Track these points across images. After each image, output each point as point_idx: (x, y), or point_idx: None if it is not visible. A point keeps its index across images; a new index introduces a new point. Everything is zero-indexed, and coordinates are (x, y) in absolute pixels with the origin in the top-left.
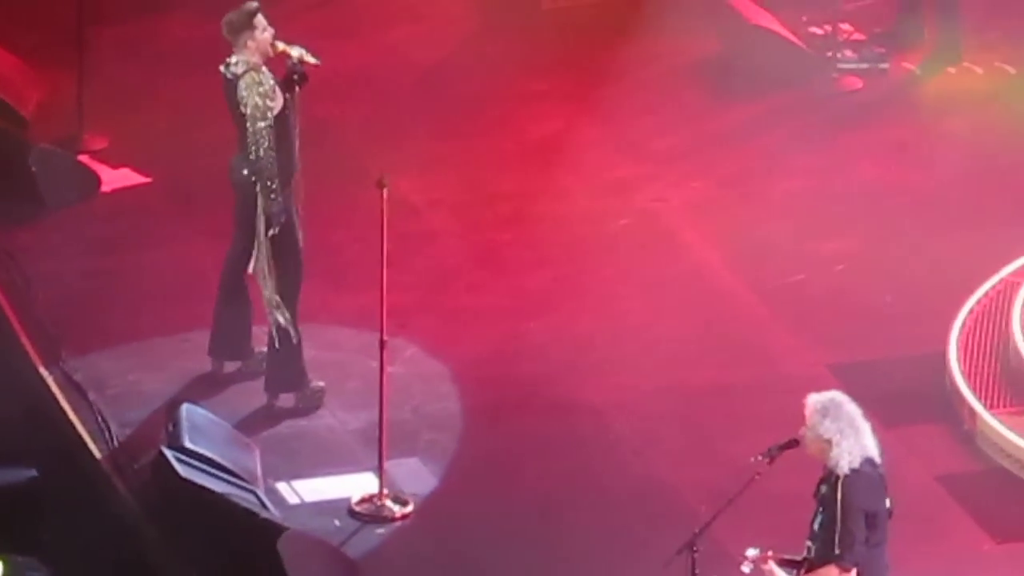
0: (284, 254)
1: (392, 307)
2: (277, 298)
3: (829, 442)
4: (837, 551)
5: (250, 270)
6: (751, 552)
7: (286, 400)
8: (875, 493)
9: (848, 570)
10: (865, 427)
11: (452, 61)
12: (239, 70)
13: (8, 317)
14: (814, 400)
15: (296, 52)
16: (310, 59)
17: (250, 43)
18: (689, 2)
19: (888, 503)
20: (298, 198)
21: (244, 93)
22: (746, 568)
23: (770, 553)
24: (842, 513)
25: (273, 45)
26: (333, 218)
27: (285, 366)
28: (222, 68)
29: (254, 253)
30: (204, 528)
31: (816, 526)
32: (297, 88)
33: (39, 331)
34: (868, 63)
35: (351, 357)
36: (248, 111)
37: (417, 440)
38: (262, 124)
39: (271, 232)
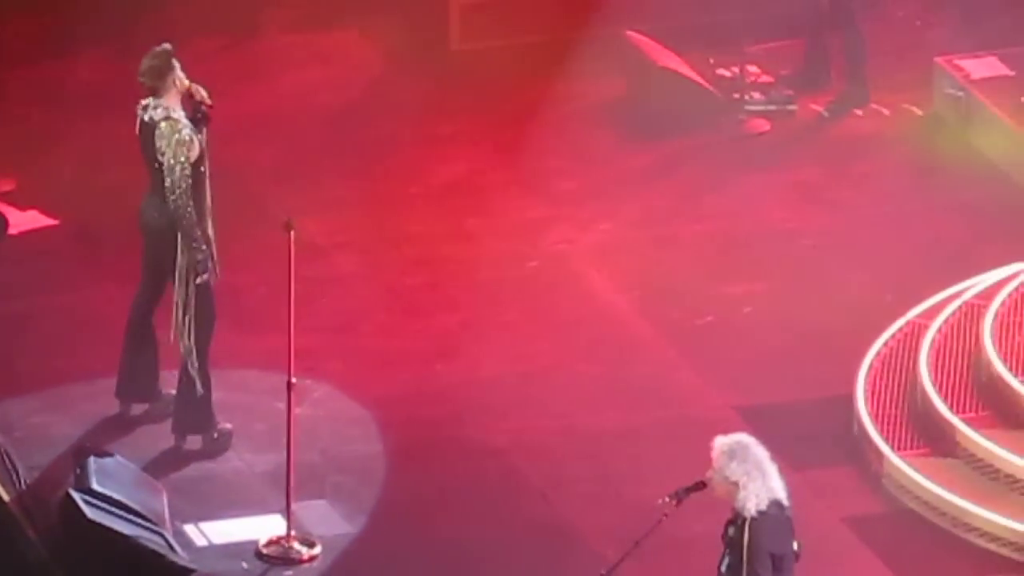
0: (200, 300)
1: (299, 349)
2: (192, 345)
3: (736, 484)
4: None
5: (173, 326)
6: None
7: (193, 442)
8: (782, 535)
9: None
10: (772, 469)
11: (359, 104)
12: (158, 116)
13: None
14: (721, 443)
15: (202, 92)
16: (207, 100)
17: (176, 83)
18: (596, 45)
19: (796, 546)
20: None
21: (162, 142)
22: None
23: None
24: (748, 555)
25: (186, 84)
26: (239, 261)
27: (193, 409)
28: (139, 110)
29: (176, 303)
30: (111, 570)
31: (723, 568)
32: (204, 129)
33: None
34: (775, 105)
35: (258, 399)
36: (166, 160)
37: (325, 482)
38: (179, 173)
39: (198, 280)
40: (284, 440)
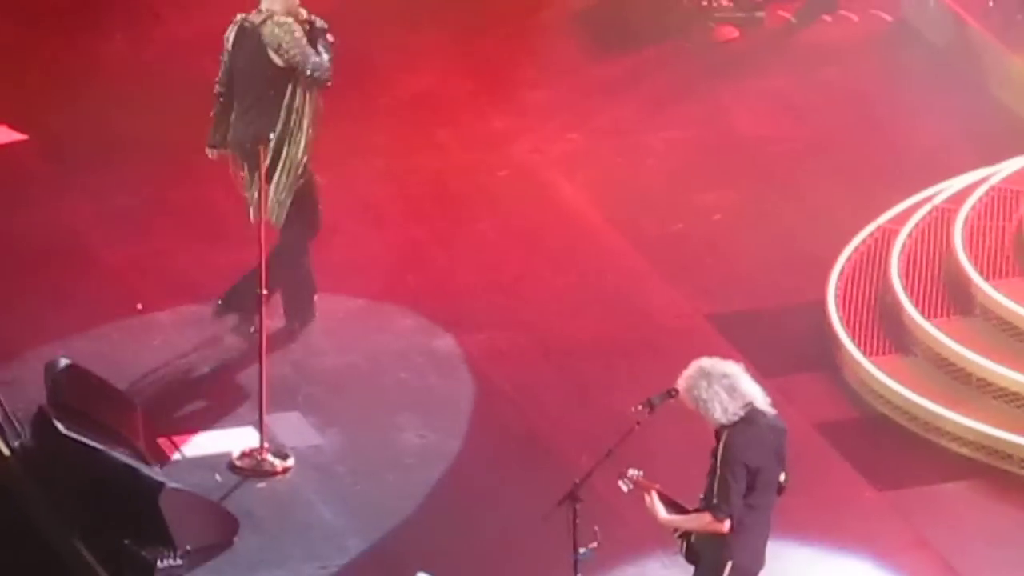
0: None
1: (269, 262)
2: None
3: (708, 401)
4: (715, 500)
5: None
6: (633, 472)
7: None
8: (761, 450)
9: (721, 521)
10: (742, 375)
11: (327, 16)
12: (259, 19)
13: None
14: (688, 370)
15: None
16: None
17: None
18: None
19: (782, 476)
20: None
21: (281, 38)
22: (624, 486)
23: (658, 486)
24: (721, 464)
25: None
26: (210, 175)
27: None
28: (255, 22)
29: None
30: (86, 484)
31: (708, 477)
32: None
33: None
34: (744, 12)
35: (232, 312)
36: (290, 51)
37: (297, 394)
38: (305, 51)
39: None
40: (256, 353)
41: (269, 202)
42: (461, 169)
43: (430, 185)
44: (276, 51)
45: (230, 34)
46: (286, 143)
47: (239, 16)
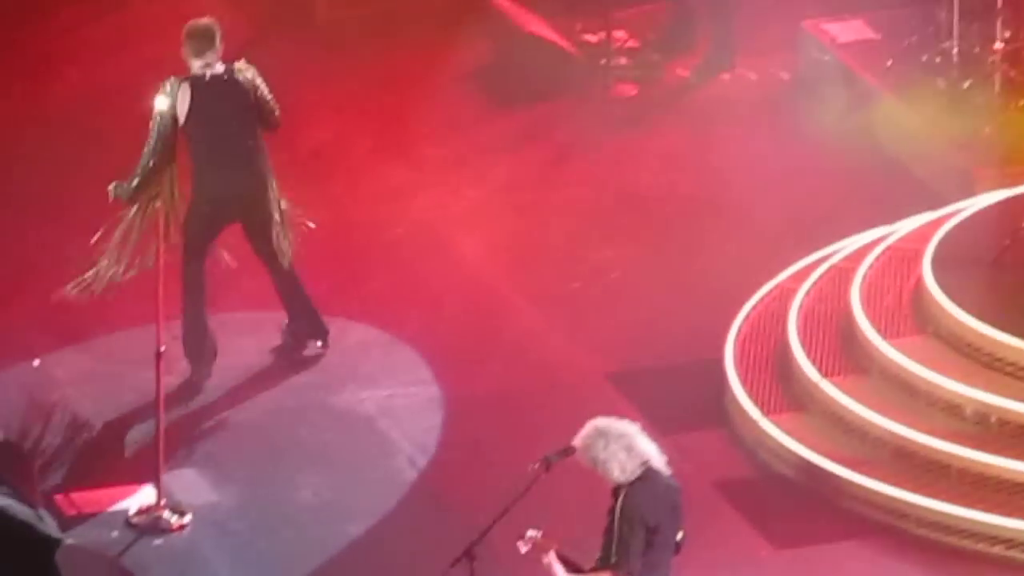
0: None
1: (168, 318)
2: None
3: (606, 461)
4: (613, 559)
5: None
6: (532, 532)
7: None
8: (658, 507)
9: None
10: (638, 434)
11: None
12: (222, 69)
13: None
14: (585, 429)
15: None
16: None
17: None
18: (462, 12)
19: (680, 534)
20: None
21: (254, 82)
22: (522, 547)
23: (556, 545)
24: (619, 523)
25: None
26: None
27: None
28: (222, 72)
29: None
30: None
31: (604, 535)
32: None
33: None
34: (641, 69)
35: (127, 368)
36: (263, 92)
37: (194, 451)
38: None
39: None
40: (154, 409)
41: (282, 246)
42: (359, 225)
43: (327, 241)
44: (254, 95)
45: (180, 92)
46: (270, 186)
47: (191, 74)
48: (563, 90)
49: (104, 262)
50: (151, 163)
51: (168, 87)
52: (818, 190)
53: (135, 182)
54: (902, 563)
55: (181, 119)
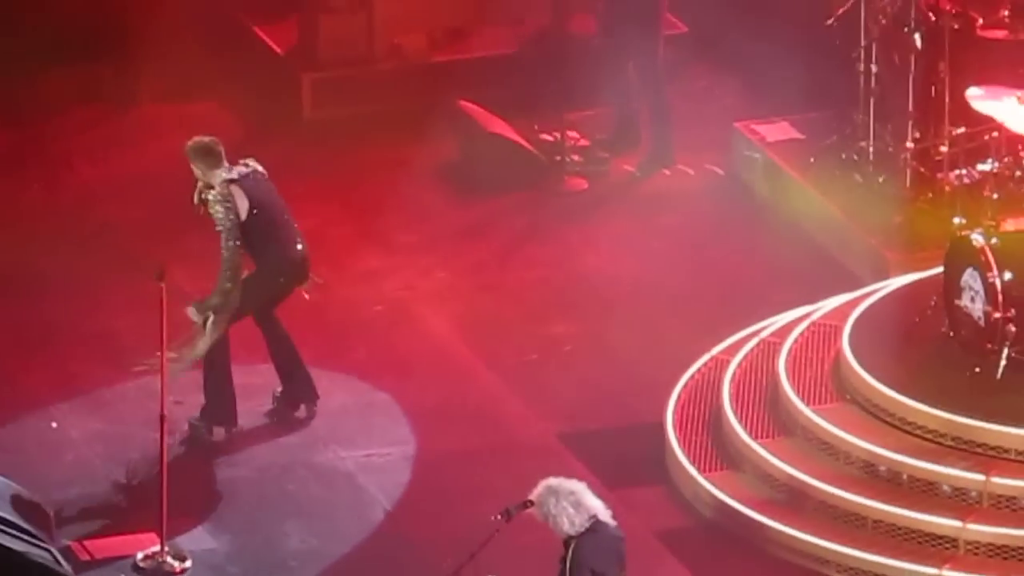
0: None
1: (170, 385)
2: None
3: (557, 515)
4: None
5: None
6: None
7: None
8: (605, 556)
9: None
10: (585, 491)
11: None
12: (250, 166)
13: None
14: (538, 488)
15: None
16: None
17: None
18: (432, 113)
19: None
20: None
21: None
22: None
23: None
24: (570, 571)
25: None
26: (117, 306)
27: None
28: (250, 169)
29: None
30: None
31: None
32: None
33: None
34: (591, 165)
35: (134, 430)
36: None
37: (194, 503)
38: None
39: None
40: (158, 467)
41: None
42: (340, 303)
43: (312, 316)
44: None
45: (236, 194)
46: None
47: (230, 178)
48: (522, 183)
49: (174, 355)
50: (231, 282)
51: (223, 196)
52: (749, 272)
53: (215, 301)
54: None
55: (243, 217)
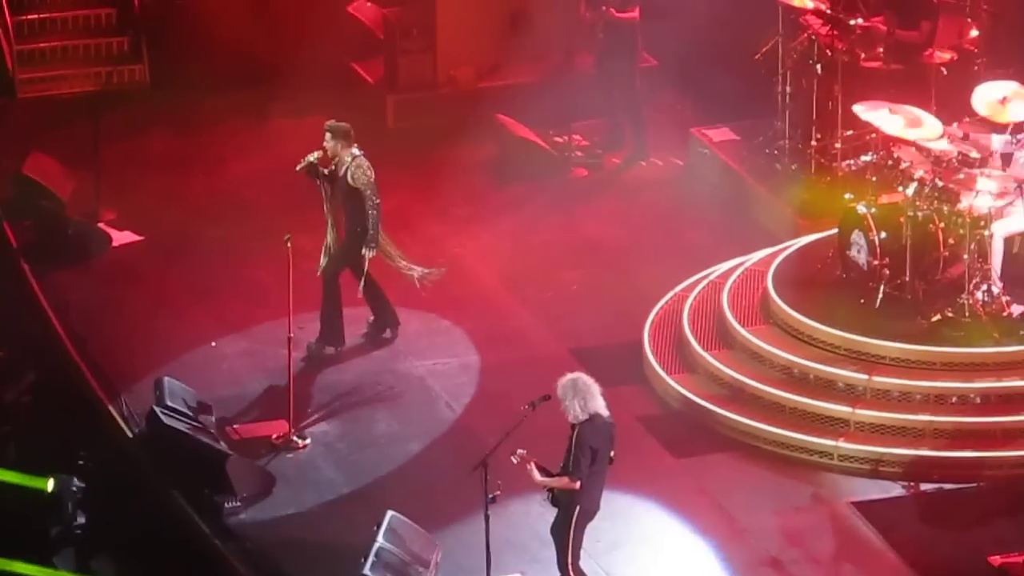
0: None
1: (295, 316)
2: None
3: (571, 404)
4: (570, 469)
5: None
6: (520, 451)
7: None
8: (600, 437)
9: (574, 481)
10: (595, 391)
11: (330, 163)
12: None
13: (56, 327)
14: (562, 381)
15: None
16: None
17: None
18: (476, 124)
19: (612, 453)
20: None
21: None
22: (514, 459)
23: (535, 459)
24: (575, 447)
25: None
26: (257, 263)
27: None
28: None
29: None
30: (179, 454)
31: (566, 454)
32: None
33: (74, 336)
34: (591, 160)
35: (270, 348)
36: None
37: (311, 399)
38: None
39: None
40: (286, 374)
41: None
42: (414, 258)
43: (395, 269)
44: None
45: (368, 163)
46: None
47: (359, 153)
48: (541, 173)
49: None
50: (374, 229)
51: (361, 165)
52: (701, 235)
53: (373, 234)
54: (756, 467)
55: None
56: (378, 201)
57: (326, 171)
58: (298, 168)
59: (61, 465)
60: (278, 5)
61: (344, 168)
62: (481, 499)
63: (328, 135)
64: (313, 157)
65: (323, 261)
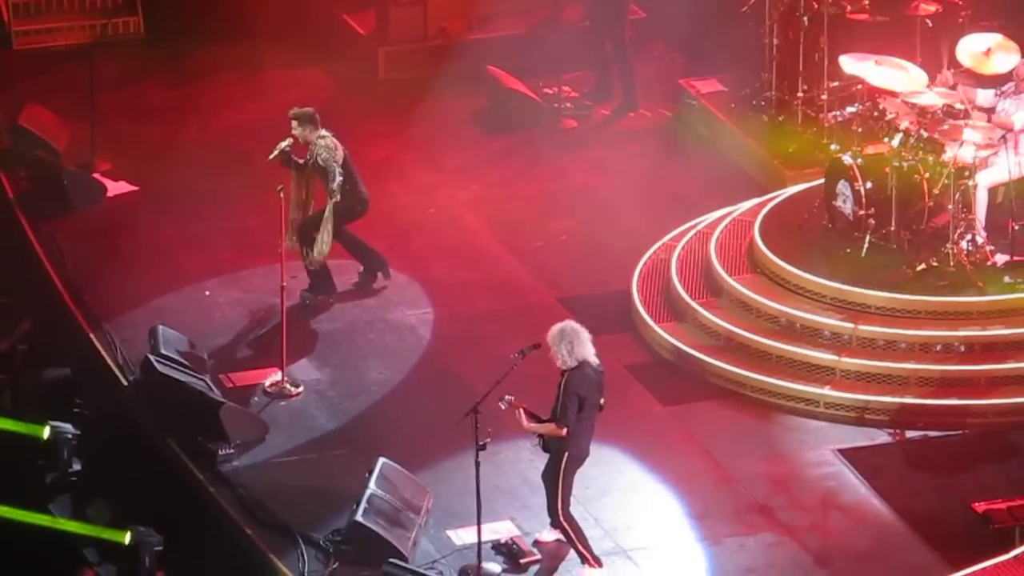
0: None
1: (288, 265)
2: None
3: (559, 351)
4: (559, 416)
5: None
6: (508, 397)
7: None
8: (588, 385)
9: (562, 428)
10: (584, 338)
11: (322, 112)
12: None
13: (51, 276)
14: (552, 328)
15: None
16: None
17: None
18: (467, 75)
19: (602, 400)
20: None
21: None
22: (503, 405)
23: (524, 405)
24: (563, 394)
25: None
26: (248, 212)
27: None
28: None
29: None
30: (173, 402)
31: (554, 401)
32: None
33: (70, 284)
34: (580, 111)
35: (263, 297)
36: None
37: (304, 347)
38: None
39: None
40: (279, 321)
41: None
42: (404, 208)
43: (386, 218)
44: None
45: (336, 144)
46: None
47: (327, 135)
48: (531, 124)
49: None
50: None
51: (327, 147)
52: (689, 185)
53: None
54: (740, 414)
55: (340, 161)
56: (337, 181)
57: (300, 161)
58: (270, 157)
59: (57, 413)
60: None
61: (313, 152)
62: (471, 446)
63: (294, 123)
64: (284, 144)
65: (289, 241)
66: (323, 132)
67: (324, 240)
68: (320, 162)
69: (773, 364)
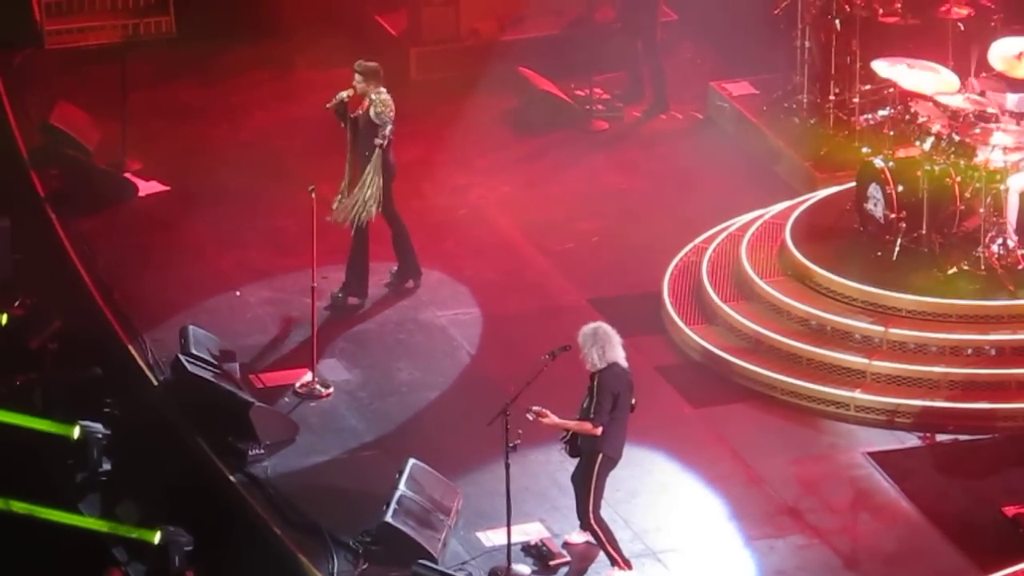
0: None
1: (319, 265)
2: None
3: (590, 352)
4: (592, 415)
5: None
6: (535, 408)
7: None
8: (620, 384)
9: (596, 427)
10: (615, 341)
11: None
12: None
13: (82, 275)
14: (583, 329)
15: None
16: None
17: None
18: (498, 76)
19: (633, 400)
20: None
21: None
22: (530, 416)
23: (549, 413)
24: (597, 392)
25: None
26: (283, 210)
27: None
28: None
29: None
30: (203, 402)
31: (584, 402)
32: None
33: (100, 284)
34: (611, 112)
35: (294, 297)
36: None
37: (335, 348)
38: None
39: None
40: (310, 322)
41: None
42: (436, 208)
43: (418, 218)
44: None
45: (392, 102)
46: None
47: (384, 93)
48: (562, 125)
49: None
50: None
51: (385, 102)
52: (719, 186)
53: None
54: (771, 416)
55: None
56: (391, 137)
57: (353, 115)
58: (328, 105)
59: (87, 412)
60: None
61: (368, 105)
62: (501, 447)
63: (358, 76)
64: (344, 95)
65: (336, 202)
66: (382, 89)
67: (370, 195)
68: (373, 115)
69: (803, 367)
